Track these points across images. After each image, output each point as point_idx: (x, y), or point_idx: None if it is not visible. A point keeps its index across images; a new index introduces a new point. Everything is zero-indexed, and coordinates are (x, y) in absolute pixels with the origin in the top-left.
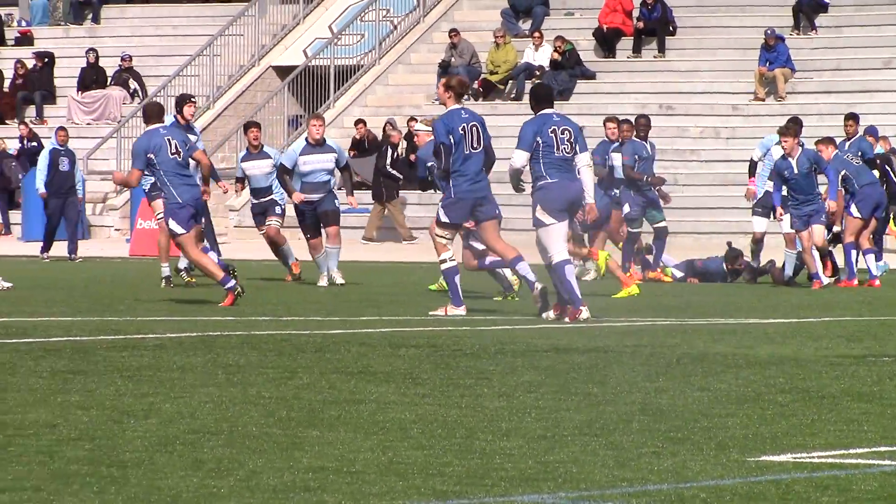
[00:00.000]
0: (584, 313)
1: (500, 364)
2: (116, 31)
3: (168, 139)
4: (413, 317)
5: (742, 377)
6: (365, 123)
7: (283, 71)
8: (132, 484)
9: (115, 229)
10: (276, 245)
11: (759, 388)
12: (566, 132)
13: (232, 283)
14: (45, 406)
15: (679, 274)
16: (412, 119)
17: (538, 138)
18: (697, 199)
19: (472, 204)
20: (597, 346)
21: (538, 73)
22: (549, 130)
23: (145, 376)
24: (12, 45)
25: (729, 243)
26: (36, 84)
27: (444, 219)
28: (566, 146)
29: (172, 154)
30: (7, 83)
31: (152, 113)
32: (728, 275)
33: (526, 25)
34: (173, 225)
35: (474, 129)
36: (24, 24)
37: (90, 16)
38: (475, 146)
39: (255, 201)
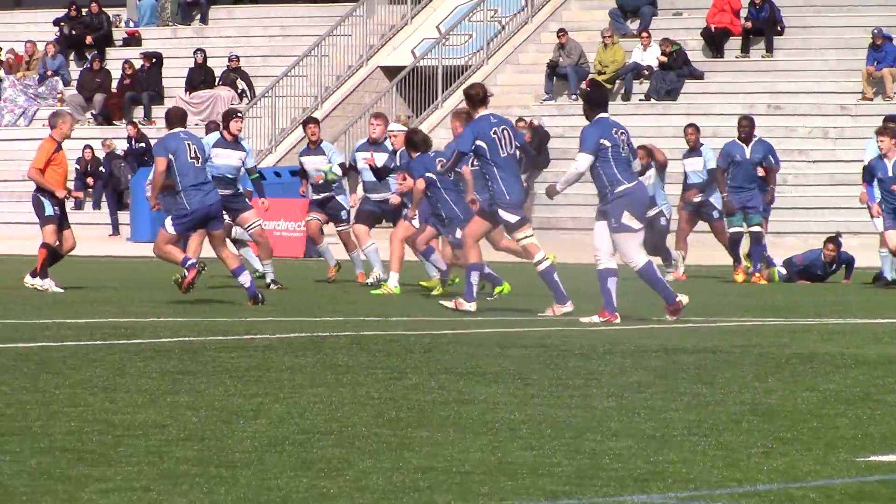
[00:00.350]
0: (683, 300)
1: (609, 364)
2: (224, 31)
3: (188, 143)
4: (522, 317)
5: (851, 377)
6: None
7: (390, 71)
8: (241, 484)
9: None
10: (314, 242)
11: (869, 388)
12: (623, 135)
13: (190, 275)
14: (155, 406)
15: (784, 271)
16: (520, 120)
17: (606, 142)
18: (805, 199)
19: (524, 197)
20: (706, 347)
21: (646, 72)
22: (615, 133)
23: (254, 377)
24: (120, 46)
25: (838, 233)
26: (144, 84)
27: (514, 218)
28: (626, 149)
29: (191, 158)
30: (115, 84)
31: (174, 118)
32: (827, 265)
33: (634, 25)
34: (168, 223)
35: (505, 132)
36: (131, 24)
37: (198, 16)
38: (509, 149)
39: (314, 197)
